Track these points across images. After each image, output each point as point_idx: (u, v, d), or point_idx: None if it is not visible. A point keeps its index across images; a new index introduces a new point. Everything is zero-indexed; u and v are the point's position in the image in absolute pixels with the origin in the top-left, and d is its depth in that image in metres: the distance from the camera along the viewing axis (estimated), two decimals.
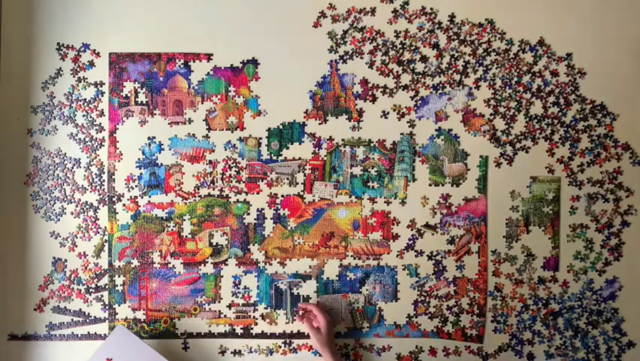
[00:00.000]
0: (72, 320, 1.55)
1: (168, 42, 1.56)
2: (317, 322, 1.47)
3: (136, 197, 1.55)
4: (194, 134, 1.56)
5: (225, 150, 1.56)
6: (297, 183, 1.56)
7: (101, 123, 1.56)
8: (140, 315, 1.55)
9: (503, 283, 1.53)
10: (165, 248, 1.55)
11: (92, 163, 1.56)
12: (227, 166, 1.56)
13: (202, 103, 1.56)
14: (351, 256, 1.55)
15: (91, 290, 1.55)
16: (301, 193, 1.56)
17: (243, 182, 1.56)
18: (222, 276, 1.55)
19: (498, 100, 1.54)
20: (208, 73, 1.56)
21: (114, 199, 1.55)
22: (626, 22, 1.53)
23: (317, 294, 1.55)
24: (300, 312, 1.53)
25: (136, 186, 1.56)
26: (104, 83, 1.56)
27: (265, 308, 1.55)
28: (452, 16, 1.55)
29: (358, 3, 1.55)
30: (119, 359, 1.43)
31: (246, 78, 1.56)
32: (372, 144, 1.55)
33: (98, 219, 1.55)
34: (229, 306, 1.55)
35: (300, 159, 1.56)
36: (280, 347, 1.55)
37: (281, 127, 1.56)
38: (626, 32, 1.53)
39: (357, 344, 1.54)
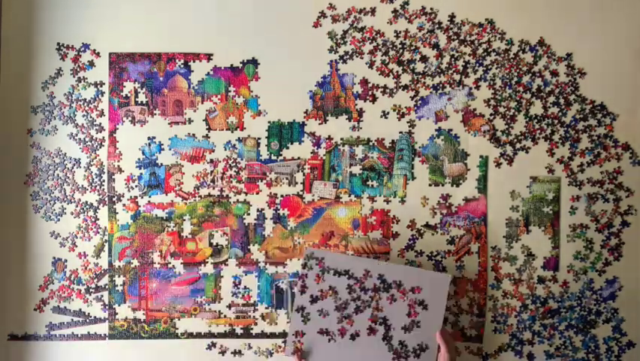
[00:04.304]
0: (72, 320, 1.55)
1: (168, 42, 1.56)
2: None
3: (136, 197, 1.55)
4: (194, 135, 1.56)
5: (225, 150, 1.56)
6: (297, 183, 1.55)
7: (101, 123, 1.56)
8: (140, 315, 1.55)
9: (503, 284, 1.53)
10: (165, 248, 1.55)
11: (92, 163, 1.56)
12: (227, 166, 1.56)
13: (202, 103, 1.56)
14: (352, 254, 1.55)
15: (91, 290, 1.55)
16: (300, 193, 1.55)
17: (243, 182, 1.55)
18: (222, 276, 1.55)
19: (498, 100, 1.54)
20: (208, 73, 1.56)
21: (114, 199, 1.55)
22: (626, 22, 1.53)
23: None
24: None
25: (136, 186, 1.56)
26: (104, 83, 1.56)
27: (265, 308, 1.55)
28: (452, 16, 1.55)
29: (358, 3, 1.55)
30: None
31: (245, 78, 1.56)
32: (370, 143, 1.55)
33: (98, 219, 1.55)
34: (229, 306, 1.55)
35: (299, 158, 1.56)
36: (280, 347, 1.55)
37: (281, 127, 1.56)
38: (626, 32, 1.53)
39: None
